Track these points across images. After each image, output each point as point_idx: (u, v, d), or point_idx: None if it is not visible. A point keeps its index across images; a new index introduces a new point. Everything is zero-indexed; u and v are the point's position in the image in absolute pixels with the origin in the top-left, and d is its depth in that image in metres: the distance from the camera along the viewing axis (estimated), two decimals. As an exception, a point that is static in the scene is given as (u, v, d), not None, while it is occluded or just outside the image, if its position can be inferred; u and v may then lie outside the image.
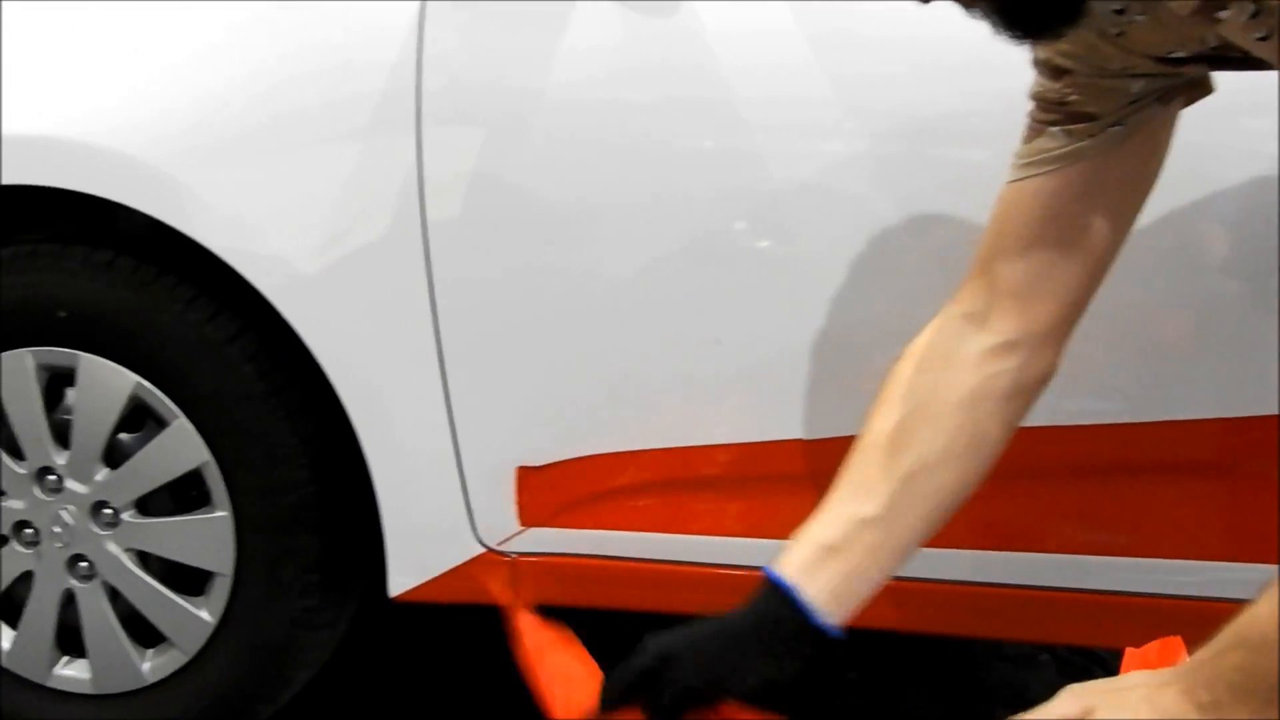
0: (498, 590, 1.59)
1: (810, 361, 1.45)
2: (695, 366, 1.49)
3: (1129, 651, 1.16)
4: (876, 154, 1.41)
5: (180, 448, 1.59)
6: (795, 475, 1.45)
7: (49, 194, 1.57)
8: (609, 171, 1.46)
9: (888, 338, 1.26)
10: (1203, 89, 1.11)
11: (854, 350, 1.45)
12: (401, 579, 1.61)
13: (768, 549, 1.50)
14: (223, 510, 1.60)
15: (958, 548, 1.42)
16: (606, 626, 1.72)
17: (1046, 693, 1.00)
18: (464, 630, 2.14)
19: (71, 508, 1.64)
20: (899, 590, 1.23)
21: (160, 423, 1.60)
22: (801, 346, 1.45)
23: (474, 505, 1.57)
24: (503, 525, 1.58)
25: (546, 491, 1.56)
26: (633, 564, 1.56)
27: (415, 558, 1.60)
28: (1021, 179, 1.12)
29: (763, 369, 1.49)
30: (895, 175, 1.41)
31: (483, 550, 1.59)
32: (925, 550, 1.20)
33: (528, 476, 1.56)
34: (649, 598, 1.58)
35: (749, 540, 1.52)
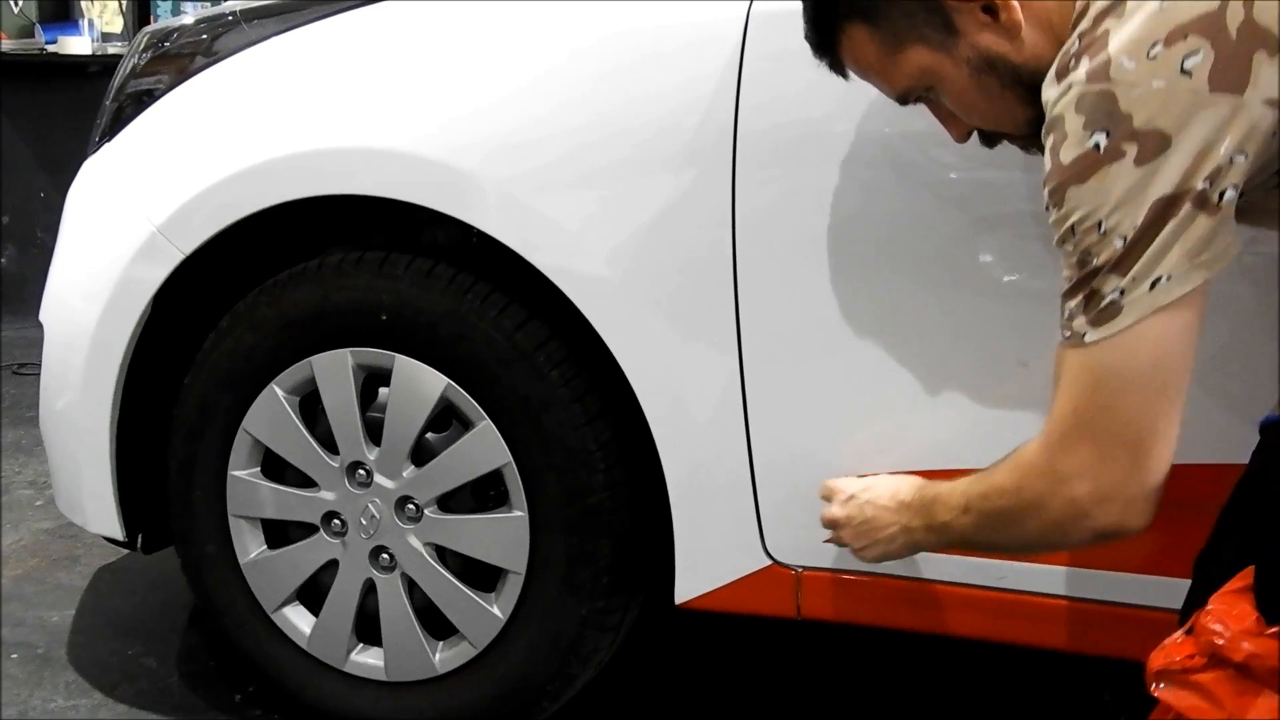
0: (781, 604, 1.62)
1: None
2: (1000, 388, 1.50)
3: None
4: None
5: (484, 449, 1.67)
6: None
7: (356, 204, 1.67)
8: (918, 199, 1.48)
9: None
10: None
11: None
12: (688, 586, 1.65)
13: (1056, 575, 1.53)
14: (520, 510, 1.67)
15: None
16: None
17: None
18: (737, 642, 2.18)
19: (378, 501, 1.73)
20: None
21: (465, 424, 1.68)
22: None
23: (764, 517, 1.61)
24: (791, 538, 1.61)
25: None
26: (921, 583, 1.57)
27: (703, 566, 1.64)
28: None
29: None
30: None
31: (770, 563, 1.62)
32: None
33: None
34: (938, 619, 1.59)
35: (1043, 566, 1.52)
